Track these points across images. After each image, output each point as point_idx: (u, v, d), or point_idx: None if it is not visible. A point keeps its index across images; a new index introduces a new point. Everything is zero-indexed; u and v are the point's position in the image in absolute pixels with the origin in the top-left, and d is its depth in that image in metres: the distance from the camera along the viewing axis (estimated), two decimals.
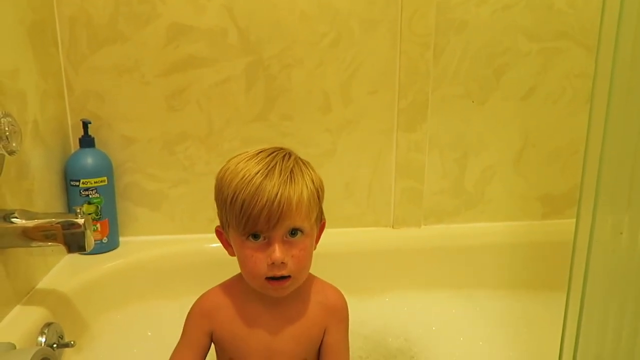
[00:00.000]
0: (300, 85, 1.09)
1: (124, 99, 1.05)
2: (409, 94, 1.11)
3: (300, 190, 0.62)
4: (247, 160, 0.65)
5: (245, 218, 0.61)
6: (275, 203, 0.60)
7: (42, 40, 0.95)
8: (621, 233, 0.45)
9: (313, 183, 0.65)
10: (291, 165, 0.64)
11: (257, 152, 0.67)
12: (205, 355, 0.71)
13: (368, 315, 1.06)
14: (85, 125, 1.01)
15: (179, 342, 0.70)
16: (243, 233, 0.63)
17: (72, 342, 0.80)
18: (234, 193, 0.62)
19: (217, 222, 1.12)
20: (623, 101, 0.46)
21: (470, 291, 1.14)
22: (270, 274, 0.63)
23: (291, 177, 0.63)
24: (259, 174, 0.62)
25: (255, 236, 0.63)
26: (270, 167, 0.63)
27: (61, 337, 0.81)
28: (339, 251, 1.11)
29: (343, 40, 1.08)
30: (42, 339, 0.77)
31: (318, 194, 0.66)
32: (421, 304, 1.11)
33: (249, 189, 0.61)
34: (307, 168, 0.67)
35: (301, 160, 0.68)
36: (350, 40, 1.08)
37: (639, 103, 0.46)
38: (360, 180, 1.15)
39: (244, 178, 0.62)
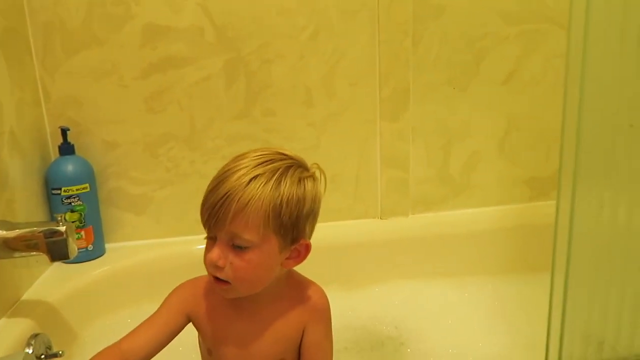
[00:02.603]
0: (281, 80, 1.08)
1: (102, 104, 1.03)
2: (390, 83, 1.11)
3: (248, 198, 0.59)
4: (246, 159, 0.62)
5: (200, 213, 0.63)
6: (217, 206, 0.59)
7: (14, 48, 0.93)
8: (602, 207, 0.45)
9: (279, 196, 0.60)
10: (269, 172, 0.60)
11: (273, 152, 0.64)
12: (175, 335, 0.69)
13: (358, 307, 1.06)
14: (64, 132, 1.00)
15: (153, 313, 0.70)
16: (203, 227, 0.64)
17: (60, 352, 0.78)
18: (208, 184, 0.63)
19: None
20: (597, 80, 0.45)
21: (460, 278, 1.14)
22: (211, 272, 0.63)
23: (250, 183, 0.59)
24: (227, 172, 0.61)
25: (210, 237, 0.63)
26: (244, 167, 0.60)
27: (49, 347, 0.79)
28: (328, 244, 1.09)
29: (322, 32, 1.07)
30: (29, 351, 0.75)
31: (280, 210, 0.60)
32: (411, 293, 1.11)
33: (210, 185, 0.62)
34: (294, 182, 0.61)
35: (300, 172, 0.63)
36: (330, 32, 1.07)
37: (613, 81, 0.46)
38: (347, 172, 1.15)
39: (217, 173, 0.63)
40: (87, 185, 1.00)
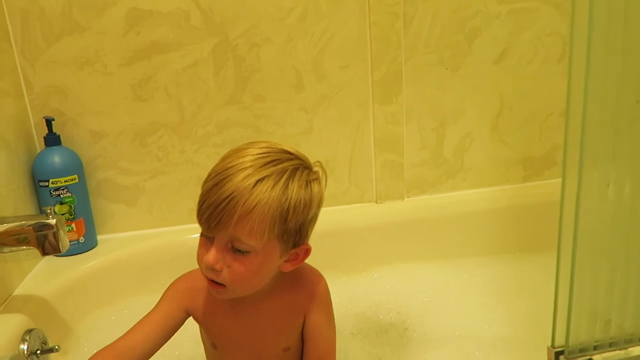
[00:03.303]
0: (270, 64, 1.06)
1: (87, 93, 1.00)
2: (382, 65, 1.09)
3: (255, 202, 0.55)
4: (250, 157, 0.58)
5: (197, 209, 0.59)
6: (220, 207, 0.55)
7: None
8: (607, 185, 0.44)
9: (286, 201, 0.57)
10: (277, 175, 0.57)
11: (277, 150, 0.60)
12: (175, 330, 0.68)
13: (358, 293, 1.06)
14: (49, 122, 0.97)
15: (152, 310, 0.68)
16: (199, 224, 0.60)
17: (56, 347, 0.77)
18: (206, 178, 0.59)
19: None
20: (602, 54, 0.44)
21: (458, 260, 1.15)
22: (206, 274, 0.60)
23: (257, 185, 0.56)
24: (230, 169, 0.57)
25: (206, 236, 0.60)
26: (249, 167, 0.56)
27: (44, 342, 0.78)
28: (324, 231, 1.06)
29: (310, 14, 1.04)
30: (24, 347, 0.74)
31: (287, 216, 0.57)
32: (410, 276, 1.11)
33: (210, 182, 0.58)
34: (302, 186, 0.59)
35: (307, 175, 0.60)
36: (318, 14, 1.05)
37: (619, 55, 0.45)
38: (340, 157, 1.14)
39: (218, 168, 0.58)
40: (75, 176, 0.97)
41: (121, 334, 0.68)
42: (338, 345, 0.94)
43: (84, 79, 0.99)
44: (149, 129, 1.04)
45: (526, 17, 1.13)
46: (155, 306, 0.69)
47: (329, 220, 1.09)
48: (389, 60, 1.09)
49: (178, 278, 0.71)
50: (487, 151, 1.20)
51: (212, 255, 0.58)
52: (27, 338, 0.75)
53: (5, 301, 0.82)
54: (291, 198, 0.57)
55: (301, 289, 0.68)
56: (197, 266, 0.71)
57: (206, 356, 0.75)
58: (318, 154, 1.12)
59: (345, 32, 1.07)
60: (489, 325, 0.98)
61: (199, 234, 0.62)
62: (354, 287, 1.06)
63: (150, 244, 1.04)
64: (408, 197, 1.19)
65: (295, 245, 0.62)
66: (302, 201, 0.58)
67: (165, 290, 0.70)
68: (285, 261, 0.63)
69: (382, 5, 1.05)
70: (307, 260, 0.67)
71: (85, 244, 1.01)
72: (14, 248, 0.76)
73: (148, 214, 1.09)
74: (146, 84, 1.02)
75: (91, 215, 1.03)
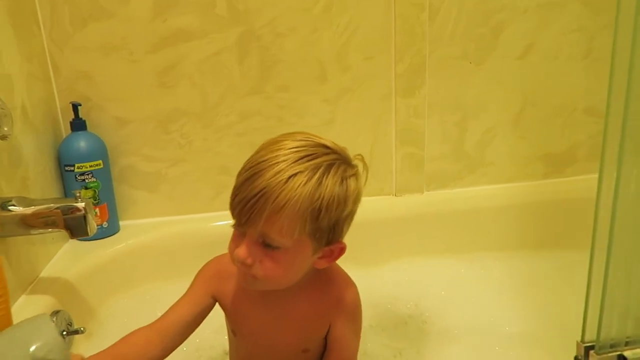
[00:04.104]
0: (294, 54, 1.06)
1: (113, 79, 1.01)
2: (406, 58, 1.09)
3: (285, 199, 0.54)
4: (284, 150, 0.56)
5: (230, 202, 0.58)
6: (250, 203, 0.54)
7: (22, 20, 0.90)
8: None
9: (319, 198, 0.55)
10: (310, 170, 0.55)
11: (314, 144, 0.58)
12: (205, 315, 0.69)
13: (376, 285, 1.06)
14: (76, 107, 0.98)
15: (183, 295, 0.69)
16: (232, 217, 0.59)
17: (82, 329, 0.78)
18: (240, 170, 0.59)
19: (217, 200, 1.11)
20: None
21: (476, 254, 1.14)
22: (238, 267, 0.60)
23: (289, 181, 0.54)
24: (263, 163, 0.56)
25: (238, 227, 0.59)
26: (282, 161, 0.55)
27: (70, 324, 0.79)
28: None
29: (336, 5, 1.04)
30: None
31: (319, 214, 0.56)
32: (429, 270, 1.11)
33: (243, 175, 0.57)
34: (336, 183, 0.57)
35: (344, 170, 0.58)
36: (343, 5, 1.04)
37: None
38: (361, 148, 1.09)
39: (252, 161, 0.57)
40: (100, 161, 0.99)
41: (142, 318, 0.70)
42: None
43: (111, 65, 1.00)
44: (172, 116, 1.05)
45: (553, 12, 1.12)
46: (186, 291, 0.70)
47: None
48: (412, 52, 1.08)
49: (207, 263, 0.72)
50: (508, 147, 1.19)
51: (243, 250, 0.57)
52: (54, 319, 0.76)
53: (32, 283, 0.83)
54: (324, 195, 0.55)
55: (330, 294, 0.67)
56: (222, 252, 0.73)
57: (228, 341, 0.76)
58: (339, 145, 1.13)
59: (370, 24, 1.06)
60: (507, 320, 0.98)
61: (231, 225, 0.60)
62: (373, 279, 1.06)
63: (171, 231, 1.05)
64: (427, 191, 1.19)
65: (329, 243, 0.60)
66: (336, 198, 0.56)
67: (195, 275, 0.71)
68: (319, 258, 0.62)
69: None
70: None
71: (108, 229, 1.02)
72: (41, 230, 0.78)
73: (169, 201, 1.10)
74: (171, 71, 1.02)
75: (114, 201, 1.04)
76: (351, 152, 1.06)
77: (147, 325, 0.67)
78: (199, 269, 0.73)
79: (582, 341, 0.50)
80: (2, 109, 0.67)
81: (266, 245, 0.57)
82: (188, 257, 1.02)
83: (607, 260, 0.45)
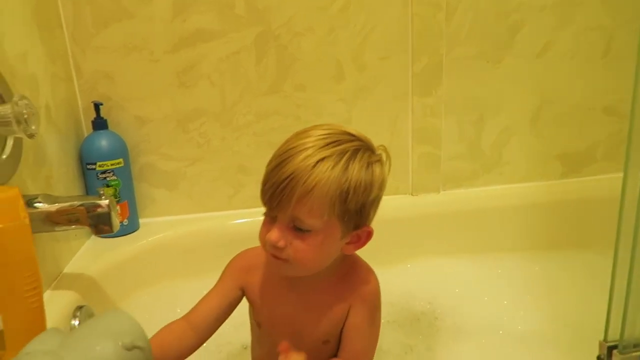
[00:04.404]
0: (311, 53, 1.06)
1: (133, 78, 1.03)
2: (423, 57, 1.09)
3: (314, 182, 0.56)
4: (311, 138, 0.59)
5: (261, 189, 0.61)
6: (280, 188, 0.57)
7: (46, 22, 0.92)
8: None
9: (346, 181, 0.57)
10: (337, 155, 0.57)
11: (339, 131, 0.61)
12: (233, 307, 0.71)
13: (392, 283, 1.05)
14: (97, 107, 1.00)
15: (212, 288, 0.71)
16: (262, 204, 0.62)
17: None
18: (269, 160, 0.61)
19: (235, 198, 1.12)
20: None
21: (492, 254, 1.14)
22: (269, 251, 0.62)
23: (317, 165, 0.57)
24: (291, 150, 0.58)
25: (269, 212, 0.61)
26: (310, 147, 0.58)
27: None
28: None
29: (353, 4, 1.05)
30: (75, 322, 0.77)
31: (346, 196, 0.58)
32: (444, 269, 1.11)
33: (272, 163, 0.60)
34: (362, 167, 0.59)
35: (369, 156, 0.61)
36: (360, 4, 1.05)
37: None
38: None
39: (280, 150, 0.60)
40: (121, 160, 1.00)
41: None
42: None
43: (131, 65, 1.02)
44: (191, 115, 1.06)
45: (570, 10, 1.11)
46: (215, 284, 0.72)
47: None
48: (429, 52, 1.09)
49: (235, 256, 0.73)
50: (525, 146, 1.19)
51: (274, 233, 0.59)
52: (78, 314, 0.78)
53: (56, 279, 0.85)
54: (351, 179, 0.58)
55: (352, 284, 0.68)
56: (245, 248, 0.74)
57: (251, 334, 0.77)
58: None
59: (386, 23, 1.07)
60: (520, 319, 0.98)
61: (263, 215, 0.63)
62: (388, 277, 1.05)
63: (190, 229, 1.06)
64: (444, 190, 1.19)
65: (356, 227, 0.62)
66: (362, 182, 0.59)
67: (224, 269, 0.72)
68: (347, 243, 0.64)
69: None
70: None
71: (129, 227, 1.03)
72: (65, 227, 0.79)
73: (188, 199, 1.11)
74: (190, 71, 1.04)
75: (134, 199, 1.06)
76: None
77: (179, 319, 0.68)
78: (217, 266, 0.75)
79: (605, 340, 0.50)
80: (30, 108, 0.69)
81: (297, 229, 0.59)
82: (206, 255, 1.04)
83: (631, 258, 0.45)
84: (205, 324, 0.67)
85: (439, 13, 1.07)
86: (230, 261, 0.73)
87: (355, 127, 1.10)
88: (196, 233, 1.06)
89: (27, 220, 0.61)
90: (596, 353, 0.52)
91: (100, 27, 0.99)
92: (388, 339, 0.93)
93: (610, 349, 0.50)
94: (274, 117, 1.09)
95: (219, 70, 1.04)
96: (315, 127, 0.61)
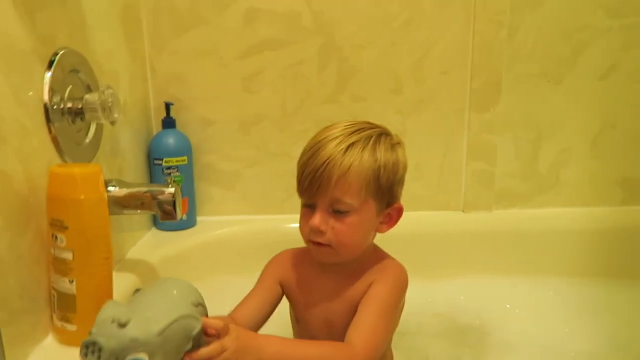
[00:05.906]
0: (371, 66, 1.09)
1: (203, 82, 1.09)
2: (482, 73, 1.10)
3: (349, 163, 0.62)
4: (337, 129, 0.66)
5: (297, 181, 0.66)
6: (319, 173, 0.62)
7: (130, 26, 1.00)
8: None
9: (376, 161, 0.63)
10: (364, 140, 0.64)
11: (360, 121, 0.68)
12: (275, 304, 0.73)
13: (440, 296, 1.06)
14: (168, 106, 1.06)
15: (254, 287, 0.74)
16: (300, 197, 0.66)
17: None
18: (300, 156, 0.66)
19: (288, 202, 1.15)
20: None
21: (543, 277, 1.11)
22: (312, 238, 0.65)
23: (348, 150, 0.62)
24: (322, 140, 0.64)
25: (308, 205, 0.66)
26: (339, 136, 0.64)
27: None
28: (408, 233, 1.08)
29: (415, 20, 1.08)
30: None
31: (378, 174, 0.63)
32: (493, 288, 1.09)
33: (305, 155, 0.65)
34: (388, 149, 0.65)
35: (391, 140, 0.67)
36: (423, 20, 1.08)
37: None
38: (431, 161, 1.15)
39: (310, 143, 0.66)
40: (185, 158, 1.06)
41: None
42: (418, 342, 0.95)
43: (202, 69, 1.08)
44: (253, 119, 1.11)
45: (637, 33, 1.10)
46: (256, 283, 0.75)
47: (415, 223, 1.12)
48: (489, 68, 1.09)
49: (272, 257, 0.77)
50: (584, 169, 1.16)
51: (317, 218, 0.64)
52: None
53: (119, 261, 0.90)
54: (380, 159, 0.64)
55: (379, 269, 0.69)
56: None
57: (293, 333, 0.79)
58: (409, 156, 1.12)
59: (448, 39, 1.09)
60: (569, 340, 0.96)
61: (302, 207, 0.67)
62: (436, 291, 1.06)
63: (245, 228, 1.10)
64: (496, 209, 1.17)
65: (388, 205, 0.67)
66: (390, 161, 0.65)
67: (263, 268, 0.76)
68: (381, 222, 0.68)
69: (487, 14, 1.07)
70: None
71: (187, 222, 1.08)
72: (133, 211, 0.84)
73: (243, 200, 1.15)
74: (256, 77, 1.09)
75: (194, 196, 1.10)
76: (421, 164, 1.10)
77: (227, 316, 0.70)
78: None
79: None
80: (114, 97, 0.75)
81: (336, 212, 0.64)
82: (257, 254, 1.05)
83: None
84: (247, 320, 0.69)
85: (501, 30, 1.08)
86: (268, 262, 0.76)
87: (410, 139, 1.13)
88: (248, 233, 1.09)
89: (105, 195, 0.66)
90: None
91: (177, 32, 1.06)
92: (436, 350, 0.93)
93: None
94: None
95: (282, 78, 1.09)
96: (336, 122, 0.68)
